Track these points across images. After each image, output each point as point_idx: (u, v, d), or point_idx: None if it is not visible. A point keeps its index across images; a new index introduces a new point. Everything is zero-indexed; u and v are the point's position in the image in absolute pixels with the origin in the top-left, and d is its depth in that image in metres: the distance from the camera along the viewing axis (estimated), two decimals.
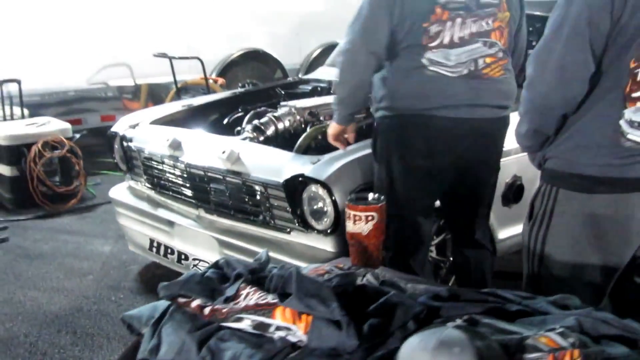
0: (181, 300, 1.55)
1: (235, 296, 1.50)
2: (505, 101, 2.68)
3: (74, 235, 4.77)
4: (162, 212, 3.61)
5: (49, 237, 4.73)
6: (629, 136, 1.83)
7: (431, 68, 2.54)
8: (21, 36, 5.95)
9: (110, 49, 6.53)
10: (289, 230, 3.03)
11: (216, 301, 1.51)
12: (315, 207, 2.88)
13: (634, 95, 1.81)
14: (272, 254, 2.97)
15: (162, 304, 1.60)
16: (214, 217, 3.33)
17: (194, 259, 3.39)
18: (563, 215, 1.97)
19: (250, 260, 1.79)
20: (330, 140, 2.85)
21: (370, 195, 1.90)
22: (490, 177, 2.89)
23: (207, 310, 1.49)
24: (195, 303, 1.52)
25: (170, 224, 3.53)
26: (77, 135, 5.62)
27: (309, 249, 2.96)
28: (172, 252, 3.53)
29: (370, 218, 1.84)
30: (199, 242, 3.39)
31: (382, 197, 1.88)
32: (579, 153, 1.91)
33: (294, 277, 1.43)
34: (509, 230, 3.41)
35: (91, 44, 6.35)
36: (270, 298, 1.45)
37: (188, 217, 3.47)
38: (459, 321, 1.46)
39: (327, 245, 2.90)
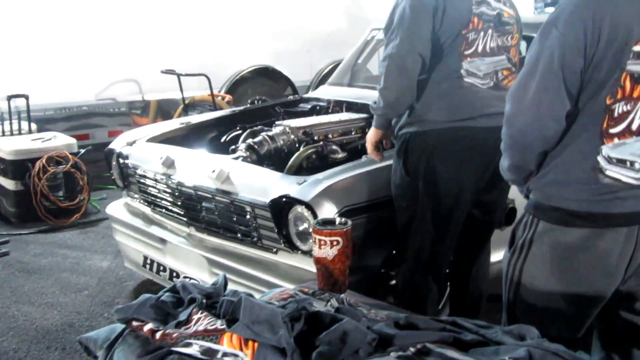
0: (135, 323, 1.55)
1: (187, 321, 1.50)
2: None
3: (74, 250, 4.80)
4: (155, 230, 3.62)
5: (49, 252, 4.76)
6: (607, 172, 1.82)
7: (467, 79, 2.66)
8: (30, 51, 6.03)
9: (119, 64, 6.59)
10: (275, 250, 3.03)
11: (168, 325, 1.50)
12: (300, 227, 2.87)
13: (612, 131, 1.80)
14: (259, 274, 3.03)
15: (119, 326, 1.61)
16: (204, 236, 3.34)
17: (185, 277, 3.39)
18: (541, 246, 1.97)
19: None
20: (369, 147, 2.90)
21: (337, 220, 1.89)
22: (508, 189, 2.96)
23: (158, 335, 1.49)
24: (148, 327, 1.52)
25: (163, 241, 3.54)
26: (82, 151, 5.67)
27: (294, 270, 2.95)
28: (164, 270, 3.54)
29: (335, 243, 1.83)
30: (189, 260, 3.39)
31: (349, 222, 1.87)
32: (558, 188, 1.91)
33: (242, 303, 1.42)
34: (500, 253, 3.37)
35: (100, 60, 6.42)
36: (219, 324, 1.44)
37: (179, 235, 3.48)
38: (411, 350, 1.45)
39: (312, 266, 2.86)
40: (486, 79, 2.69)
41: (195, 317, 1.49)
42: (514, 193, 3.22)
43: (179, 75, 6.34)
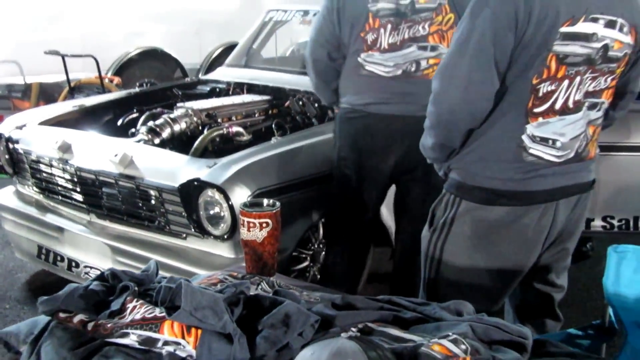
0: (62, 315, 1.45)
1: (121, 310, 1.42)
2: None
3: None
4: (51, 218, 3.44)
5: None
6: (531, 151, 1.87)
7: (367, 67, 2.72)
8: None
9: None
10: (184, 235, 2.95)
11: (100, 316, 1.42)
12: (211, 212, 2.81)
13: (536, 110, 1.85)
14: (167, 261, 2.94)
15: (42, 319, 1.50)
16: (106, 223, 3.21)
17: (85, 267, 3.25)
18: (463, 224, 2.01)
19: (138, 270, 1.72)
20: None
21: (265, 201, 1.86)
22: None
23: (90, 326, 1.40)
24: (78, 318, 1.43)
25: (60, 230, 3.36)
26: None
27: (205, 255, 2.89)
28: (62, 260, 3.37)
29: (265, 225, 1.79)
30: (90, 249, 3.25)
31: (277, 204, 1.84)
32: (482, 166, 1.94)
33: (182, 288, 1.36)
34: None
35: None
36: (158, 312, 1.37)
37: (79, 222, 3.32)
38: (353, 330, 1.44)
39: (224, 251, 2.84)
40: (392, 68, 2.70)
41: (130, 305, 1.41)
42: None
43: (63, 57, 6.02)
